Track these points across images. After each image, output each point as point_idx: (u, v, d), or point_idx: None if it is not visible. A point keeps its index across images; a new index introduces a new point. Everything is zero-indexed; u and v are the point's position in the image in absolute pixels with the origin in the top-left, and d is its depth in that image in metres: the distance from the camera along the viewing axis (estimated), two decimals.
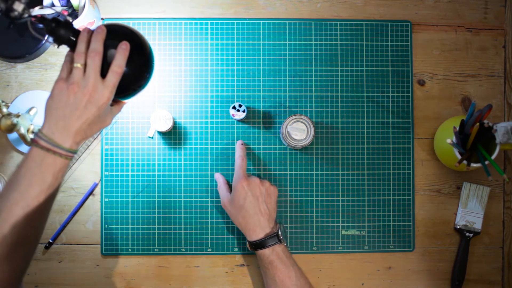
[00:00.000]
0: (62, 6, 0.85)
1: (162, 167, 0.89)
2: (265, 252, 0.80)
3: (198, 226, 0.89)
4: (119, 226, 0.88)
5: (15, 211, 0.65)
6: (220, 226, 0.89)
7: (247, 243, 0.83)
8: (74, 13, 0.85)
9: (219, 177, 0.87)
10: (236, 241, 0.89)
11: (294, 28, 0.91)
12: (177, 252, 0.89)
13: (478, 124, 0.76)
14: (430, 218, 0.91)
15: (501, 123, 0.78)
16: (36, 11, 0.81)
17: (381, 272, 0.90)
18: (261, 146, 0.90)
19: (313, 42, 0.91)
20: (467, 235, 0.90)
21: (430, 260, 0.91)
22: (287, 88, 0.91)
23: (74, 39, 0.70)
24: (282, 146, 0.90)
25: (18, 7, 0.71)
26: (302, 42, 0.91)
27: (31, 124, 0.85)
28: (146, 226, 0.88)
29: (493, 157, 0.80)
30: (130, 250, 0.88)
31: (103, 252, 0.88)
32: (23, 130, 0.83)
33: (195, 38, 0.90)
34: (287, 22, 0.91)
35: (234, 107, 0.86)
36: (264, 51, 0.91)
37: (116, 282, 0.88)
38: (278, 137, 0.90)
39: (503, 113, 0.93)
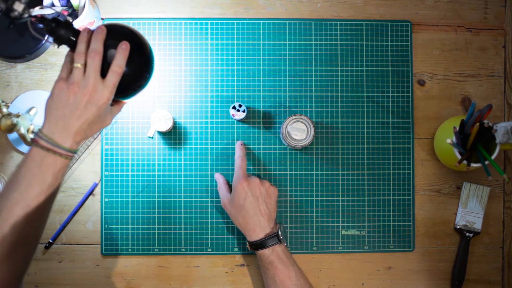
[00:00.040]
0: (62, 6, 0.85)
1: (162, 167, 0.89)
2: (265, 252, 0.80)
3: (198, 226, 0.89)
4: (119, 226, 0.88)
5: (15, 211, 0.65)
6: (220, 226, 0.89)
7: (247, 243, 0.83)
8: (74, 13, 0.85)
9: (219, 177, 0.87)
10: (236, 241, 0.89)
11: (294, 28, 0.91)
12: (177, 252, 0.89)
13: (478, 124, 0.76)
14: (430, 218, 0.91)
15: (501, 123, 0.78)
16: (36, 11, 0.81)
17: (381, 272, 0.90)
18: (261, 146, 0.90)
19: (313, 42, 0.91)
20: (467, 235, 0.90)
21: (430, 260, 0.91)
22: (287, 88, 0.91)
23: (74, 39, 0.70)
24: (282, 146, 0.90)
25: (18, 7, 0.71)
26: (302, 42, 0.91)
27: (31, 124, 0.85)
28: (146, 226, 0.88)
29: (493, 157, 0.80)
30: (130, 250, 0.88)
31: (103, 252, 0.88)
32: (23, 130, 0.83)
33: (195, 38, 0.90)
34: (287, 22, 0.91)
35: (234, 107, 0.86)
36: (264, 51, 0.91)
37: (116, 282, 0.88)
38: (278, 137, 0.90)
39: (503, 113, 0.93)
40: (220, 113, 0.90)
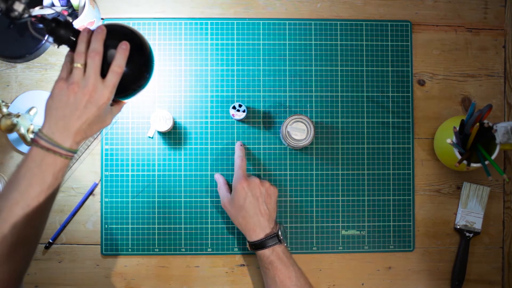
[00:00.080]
0: (62, 6, 0.85)
1: (162, 167, 0.89)
2: (265, 252, 0.80)
3: (198, 226, 0.89)
4: (119, 226, 0.88)
5: (15, 211, 0.65)
6: (220, 226, 0.89)
7: (247, 243, 0.83)
8: (74, 13, 0.85)
9: (219, 178, 0.87)
10: (236, 241, 0.89)
11: (294, 28, 0.91)
12: (177, 252, 0.89)
13: (478, 124, 0.76)
14: (430, 218, 0.91)
15: (501, 123, 0.78)
16: (36, 11, 0.81)
17: (381, 272, 0.90)
18: (261, 146, 0.90)
19: (313, 42, 0.91)
20: (467, 235, 0.90)
21: (430, 260, 0.91)
22: (287, 88, 0.91)
23: (74, 39, 0.70)
24: (282, 146, 0.90)
25: (18, 7, 0.71)
26: (302, 42, 0.91)
27: (31, 124, 0.85)
28: (146, 226, 0.88)
29: (493, 157, 0.80)
30: (130, 250, 0.88)
31: (103, 252, 0.88)
32: (23, 130, 0.83)
33: (195, 38, 0.90)
34: (287, 22, 0.91)
35: (234, 107, 0.86)
36: (264, 51, 0.91)
37: (116, 282, 0.88)
38: (278, 137, 0.90)
39: (503, 113, 0.93)
40: (220, 113, 0.90)
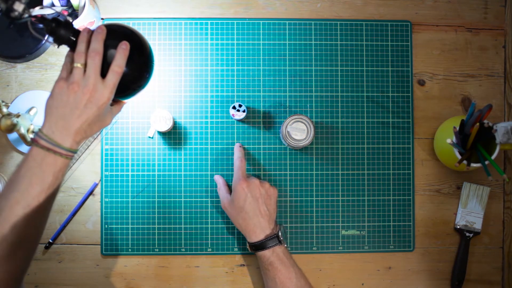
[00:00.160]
0: (62, 6, 0.85)
1: (162, 167, 0.89)
2: (265, 253, 0.80)
3: (198, 226, 0.89)
4: (119, 226, 0.88)
5: (15, 210, 0.65)
6: (220, 226, 0.89)
7: (247, 244, 0.83)
8: (74, 13, 0.85)
9: (218, 179, 0.87)
10: (236, 241, 0.89)
11: (294, 28, 0.91)
12: (177, 252, 0.88)
13: (478, 124, 0.76)
14: (430, 218, 0.91)
15: (501, 123, 0.78)
16: (36, 11, 0.81)
17: (381, 272, 0.90)
18: (261, 146, 0.90)
19: (313, 42, 0.91)
20: (467, 235, 0.90)
21: (430, 260, 0.91)
22: (287, 88, 0.91)
23: (74, 39, 0.70)
24: (282, 146, 0.90)
25: (18, 7, 0.72)
26: (302, 42, 0.91)
27: (31, 124, 0.85)
28: (146, 226, 0.88)
29: (493, 157, 0.80)
30: (130, 250, 0.88)
31: (103, 252, 0.88)
32: (23, 130, 0.83)
33: (195, 38, 0.90)
34: (287, 22, 0.91)
35: (234, 107, 0.86)
36: (264, 51, 0.91)
37: (116, 282, 0.88)
38: (278, 137, 0.90)
39: (503, 113, 0.93)
40: (220, 113, 0.90)
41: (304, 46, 0.91)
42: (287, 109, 0.90)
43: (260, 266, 0.82)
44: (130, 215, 0.88)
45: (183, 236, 0.89)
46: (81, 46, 0.68)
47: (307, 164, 0.90)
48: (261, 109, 0.90)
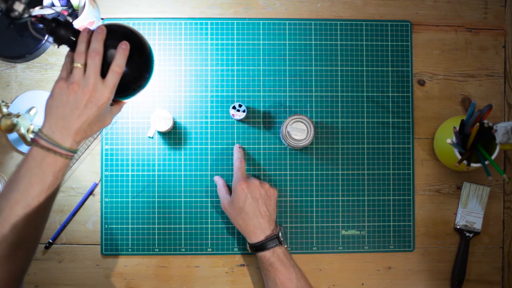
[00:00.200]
0: (62, 6, 0.85)
1: (162, 167, 0.89)
2: (266, 254, 0.80)
3: (198, 226, 0.89)
4: (119, 226, 0.88)
5: (15, 210, 0.65)
6: (220, 226, 0.89)
7: (247, 245, 0.83)
8: (74, 13, 0.85)
9: (218, 180, 0.87)
10: (236, 241, 0.89)
11: (294, 28, 0.91)
12: (177, 252, 0.88)
13: (478, 124, 0.76)
14: (430, 218, 0.91)
15: (501, 123, 0.78)
16: (36, 11, 0.81)
17: (381, 272, 0.90)
18: (261, 146, 0.90)
19: (313, 42, 0.91)
20: (467, 235, 0.90)
21: (430, 260, 0.91)
22: (287, 88, 0.91)
23: (74, 39, 0.70)
24: (282, 146, 0.90)
25: (18, 7, 0.72)
26: (302, 42, 0.91)
27: (31, 124, 0.85)
28: (146, 226, 0.88)
29: (493, 157, 0.80)
30: (130, 250, 0.88)
31: (103, 252, 0.88)
32: (23, 130, 0.83)
33: (195, 38, 0.90)
34: (287, 22, 0.91)
35: (234, 107, 0.86)
36: (264, 51, 0.91)
37: (116, 282, 0.88)
38: (278, 137, 0.90)
39: (503, 113, 0.93)
40: (220, 113, 0.90)
41: (304, 46, 0.91)
42: (287, 109, 0.90)
43: (261, 266, 0.82)
44: (130, 215, 0.88)
45: (183, 236, 0.89)
46: (81, 46, 0.68)
47: (307, 164, 0.90)
48: (261, 109, 0.90)
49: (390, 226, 0.90)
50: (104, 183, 0.88)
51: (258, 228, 0.80)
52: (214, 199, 0.89)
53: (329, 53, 0.91)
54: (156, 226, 0.88)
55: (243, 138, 0.90)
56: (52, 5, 0.85)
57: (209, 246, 0.89)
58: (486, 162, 0.80)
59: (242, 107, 0.86)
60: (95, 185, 0.89)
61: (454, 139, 0.80)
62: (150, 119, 0.85)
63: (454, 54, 0.93)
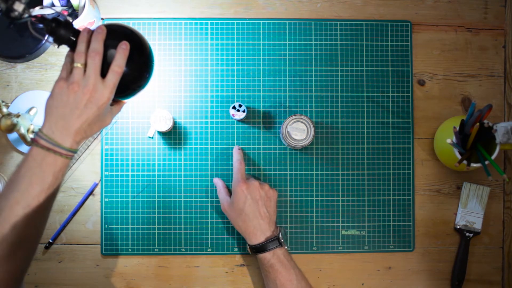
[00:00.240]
0: (62, 6, 0.85)
1: (162, 167, 0.89)
2: (266, 255, 0.79)
3: (198, 226, 0.89)
4: (119, 226, 0.88)
5: (15, 210, 0.65)
6: (220, 226, 0.89)
7: (248, 247, 0.82)
8: (74, 13, 0.85)
9: (218, 182, 0.87)
10: (236, 241, 0.89)
11: (294, 28, 0.91)
12: (177, 252, 0.88)
13: (478, 124, 0.76)
14: (430, 218, 0.91)
15: (501, 123, 0.78)
16: (36, 11, 0.81)
17: (381, 272, 0.90)
18: (261, 146, 0.90)
19: (313, 42, 0.91)
20: (467, 235, 0.90)
21: (430, 260, 0.91)
22: (287, 88, 0.91)
23: (74, 39, 0.70)
24: (282, 146, 0.90)
25: (19, 7, 0.72)
26: (302, 42, 0.91)
27: (31, 124, 0.85)
28: (146, 226, 0.88)
29: (493, 157, 0.80)
30: (130, 250, 0.88)
31: (103, 252, 0.88)
32: (23, 130, 0.83)
33: (195, 38, 0.90)
34: (287, 22, 0.91)
35: (234, 107, 0.86)
36: (264, 51, 0.91)
37: (116, 282, 0.88)
38: (278, 137, 0.90)
39: (503, 113, 0.93)
40: (220, 113, 0.90)
41: (304, 46, 0.91)
42: (287, 109, 0.90)
43: (261, 268, 0.82)
44: (130, 215, 0.88)
45: (183, 236, 0.89)
46: (81, 46, 0.68)
47: (307, 164, 0.90)
48: (261, 109, 0.90)
49: (390, 226, 0.90)
50: (104, 183, 0.88)
51: (258, 229, 0.80)
52: (214, 199, 0.89)
53: (329, 53, 0.91)
54: (156, 226, 0.88)
55: (243, 138, 0.90)
56: (52, 5, 0.85)
57: (209, 246, 0.89)
58: (486, 162, 0.80)
59: (242, 107, 0.86)
60: (95, 185, 0.89)
61: (454, 139, 0.80)
62: (150, 119, 0.85)
63: (454, 54, 0.93)
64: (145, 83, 0.75)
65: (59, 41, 0.70)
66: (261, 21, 0.91)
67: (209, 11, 0.92)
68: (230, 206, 0.82)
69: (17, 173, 0.66)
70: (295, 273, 0.79)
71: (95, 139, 0.89)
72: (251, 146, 0.90)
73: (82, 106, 0.67)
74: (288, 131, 0.83)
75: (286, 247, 0.81)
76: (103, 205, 0.88)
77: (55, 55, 0.90)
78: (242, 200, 0.81)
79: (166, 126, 0.85)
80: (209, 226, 0.89)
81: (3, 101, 0.83)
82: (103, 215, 0.88)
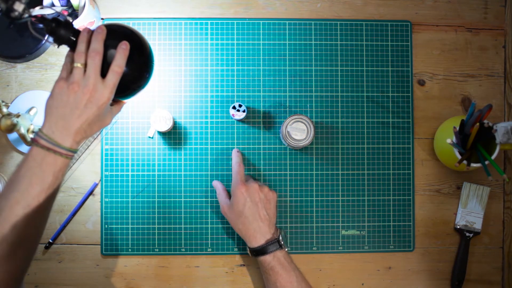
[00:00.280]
0: (62, 6, 0.85)
1: (162, 167, 0.89)
2: (266, 258, 0.79)
3: (198, 226, 0.89)
4: (119, 226, 0.88)
5: (15, 210, 0.65)
6: (220, 226, 0.89)
7: (248, 249, 0.82)
8: (74, 13, 0.85)
9: (217, 184, 0.87)
10: (236, 241, 0.89)
11: (294, 28, 0.91)
12: (177, 252, 0.88)
13: (478, 124, 0.76)
14: (430, 218, 0.91)
15: (501, 123, 0.78)
16: (36, 11, 0.81)
17: (381, 272, 0.90)
18: (261, 146, 0.90)
19: (313, 42, 0.91)
20: (467, 235, 0.90)
21: (430, 260, 0.91)
22: (287, 88, 0.91)
23: (74, 39, 0.70)
24: (282, 146, 0.90)
25: (19, 7, 0.72)
26: (302, 42, 0.91)
27: (31, 124, 0.85)
28: (146, 226, 0.88)
29: (493, 157, 0.80)
30: (130, 250, 0.88)
31: (103, 252, 0.88)
32: (23, 130, 0.83)
33: (195, 38, 0.90)
34: (287, 22, 0.91)
35: (234, 107, 0.86)
36: (264, 51, 0.91)
37: (116, 282, 0.88)
38: (278, 137, 0.90)
39: (503, 113, 0.93)
40: (220, 113, 0.90)
41: (304, 46, 0.91)
42: (287, 109, 0.90)
43: (261, 270, 0.82)
44: (130, 215, 0.88)
45: (183, 236, 0.89)
46: (81, 46, 0.68)
47: (307, 164, 0.90)
48: (261, 109, 0.90)
49: (390, 226, 0.90)
50: (104, 183, 0.88)
51: (258, 232, 0.80)
52: (214, 199, 0.89)
53: (329, 53, 0.91)
54: (156, 226, 0.88)
55: (243, 138, 0.90)
56: (52, 5, 0.85)
57: (209, 246, 0.89)
58: (486, 162, 0.80)
59: (242, 107, 0.86)
60: (95, 185, 0.89)
61: (454, 139, 0.80)
62: (150, 119, 0.85)
63: (454, 54, 0.93)
64: (145, 83, 0.75)
65: (59, 41, 0.70)
66: (261, 21, 0.91)
67: (209, 11, 0.92)
68: (230, 209, 0.82)
69: (17, 173, 0.66)
70: (295, 275, 0.79)
71: (95, 139, 0.89)
72: (251, 146, 0.90)
73: (82, 106, 0.67)
74: (288, 131, 0.83)
75: (286, 249, 0.81)
76: (103, 205, 0.88)
77: (55, 55, 0.90)
78: (242, 203, 0.80)
79: (166, 126, 0.85)
80: (209, 226, 0.89)
81: (3, 101, 0.83)
82: (103, 215, 0.88)
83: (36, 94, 0.89)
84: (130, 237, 0.88)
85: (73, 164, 0.89)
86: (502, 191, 0.92)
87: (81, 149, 0.89)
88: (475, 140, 0.81)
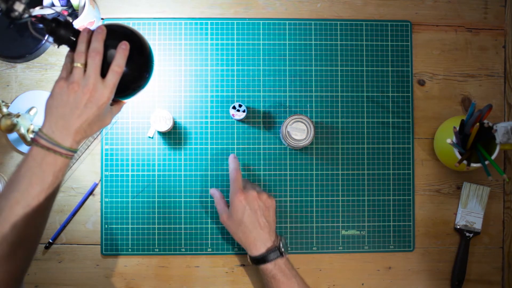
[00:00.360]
0: (62, 6, 0.85)
1: (162, 167, 0.89)
2: (268, 266, 0.79)
3: (198, 226, 0.89)
4: (119, 226, 0.88)
5: (15, 210, 0.65)
6: (220, 226, 0.89)
7: (248, 258, 0.81)
8: (74, 13, 0.85)
9: (215, 192, 0.86)
10: (236, 242, 0.89)
11: (294, 28, 0.91)
12: (177, 252, 0.88)
13: (478, 124, 0.76)
14: (430, 218, 0.91)
15: (501, 123, 0.78)
16: (36, 11, 0.81)
17: (381, 272, 0.90)
18: (261, 146, 0.90)
19: (313, 42, 0.91)
20: (467, 235, 0.90)
21: (430, 260, 0.91)
22: (287, 88, 0.91)
23: (74, 39, 0.70)
24: (282, 146, 0.90)
25: (19, 7, 0.71)
26: (302, 42, 0.91)
27: (31, 124, 0.85)
28: (146, 226, 0.88)
29: (493, 157, 0.80)
30: (130, 250, 0.88)
31: (103, 252, 0.88)
32: (23, 130, 0.83)
33: (195, 38, 0.90)
34: (287, 22, 0.91)
35: (234, 107, 0.86)
36: (264, 51, 0.91)
37: (116, 282, 0.88)
38: (278, 137, 0.90)
39: (503, 113, 0.93)
40: (220, 113, 0.90)
41: (304, 46, 0.91)
42: (287, 109, 0.90)
43: (262, 278, 0.81)
44: (130, 215, 0.88)
45: (183, 236, 0.89)
46: (81, 46, 0.68)
47: (307, 164, 0.90)
48: (261, 109, 0.90)
49: (390, 226, 0.90)
50: (104, 183, 0.88)
51: (258, 240, 0.79)
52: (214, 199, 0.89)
53: (329, 53, 0.91)
54: (156, 226, 0.88)
55: (243, 138, 0.90)
56: (52, 5, 0.85)
57: (209, 246, 0.89)
58: (486, 162, 0.80)
59: (242, 107, 0.86)
60: (95, 185, 0.89)
61: (454, 139, 0.80)
62: (150, 119, 0.85)
63: (454, 54, 0.93)
64: (145, 83, 0.75)
65: (59, 41, 0.70)
66: (261, 21, 0.91)
67: (209, 11, 0.92)
68: (230, 217, 0.81)
69: (17, 173, 0.66)
70: (296, 281, 0.79)
71: (95, 139, 0.89)
72: (251, 146, 0.90)
73: (82, 105, 0.67)
74: (288, 131, 0.83)
75: (286, 256, 0.81)
76: (103, 205, 0.88)
77: (55, 55, 0.90)
78: (241, 211, 0.80)
79: (166, 126, 0.85)
80: (209, 226, 0.89)
81: (3, 101, 0.83)
82: (103, 215, 0.88)
83: (36, 94, 0.89)
84: (130, 237, 0.88)
85: (73, 164, 0.89)
86: (502, 191, 0.92)
87: (81, 149, 0.89)
88: (475, 140, 0.81)
